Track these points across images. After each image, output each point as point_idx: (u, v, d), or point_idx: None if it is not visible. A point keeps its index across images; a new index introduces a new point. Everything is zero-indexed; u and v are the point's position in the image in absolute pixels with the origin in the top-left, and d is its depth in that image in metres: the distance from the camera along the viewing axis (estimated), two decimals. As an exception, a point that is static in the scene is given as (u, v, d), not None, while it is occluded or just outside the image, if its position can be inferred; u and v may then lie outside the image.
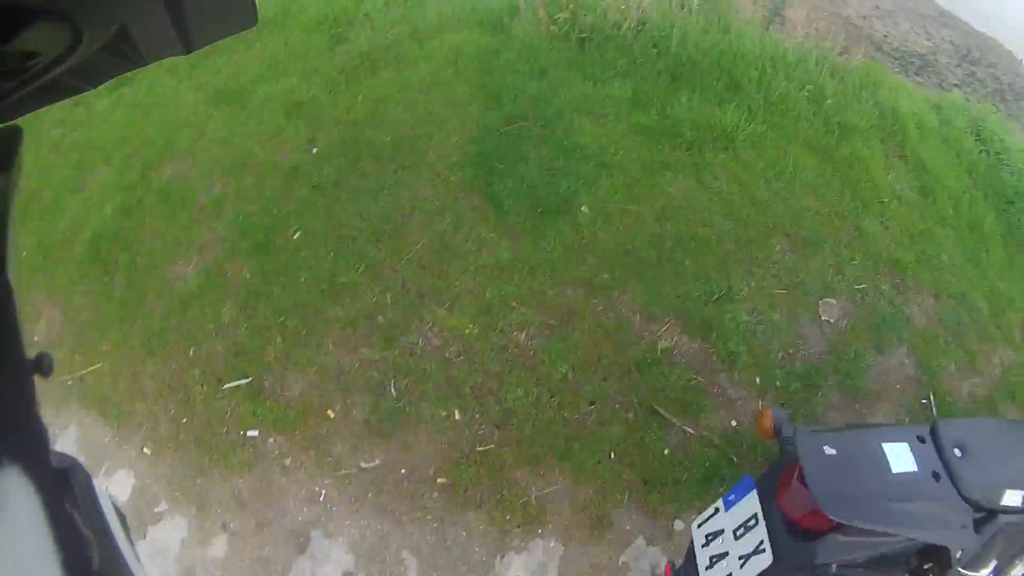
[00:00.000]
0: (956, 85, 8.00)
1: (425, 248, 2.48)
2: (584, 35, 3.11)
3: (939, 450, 1.49)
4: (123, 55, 0.40)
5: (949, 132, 3.72)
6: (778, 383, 2.30)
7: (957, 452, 1.49)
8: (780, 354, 2.35)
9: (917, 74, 7.52)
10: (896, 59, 7.61)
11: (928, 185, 3.24)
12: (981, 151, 3.75)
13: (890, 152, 3.25)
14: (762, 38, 3.37)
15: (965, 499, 1.44)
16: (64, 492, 0.45)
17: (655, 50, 3.12)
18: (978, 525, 1.46)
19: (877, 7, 9.32)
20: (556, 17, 3.10)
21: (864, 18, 8.29)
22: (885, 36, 8.01)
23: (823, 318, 2.39)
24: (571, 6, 3.11)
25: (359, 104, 2.99)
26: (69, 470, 0.49)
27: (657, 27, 3.17)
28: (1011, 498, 1.49)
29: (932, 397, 2.47)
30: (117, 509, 0.54)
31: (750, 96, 3.07)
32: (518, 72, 2.99)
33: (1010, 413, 2.75)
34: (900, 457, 1.44)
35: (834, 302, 2.44)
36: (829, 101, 3.15)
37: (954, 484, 1.44)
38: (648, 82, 3.03)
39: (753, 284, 2.47)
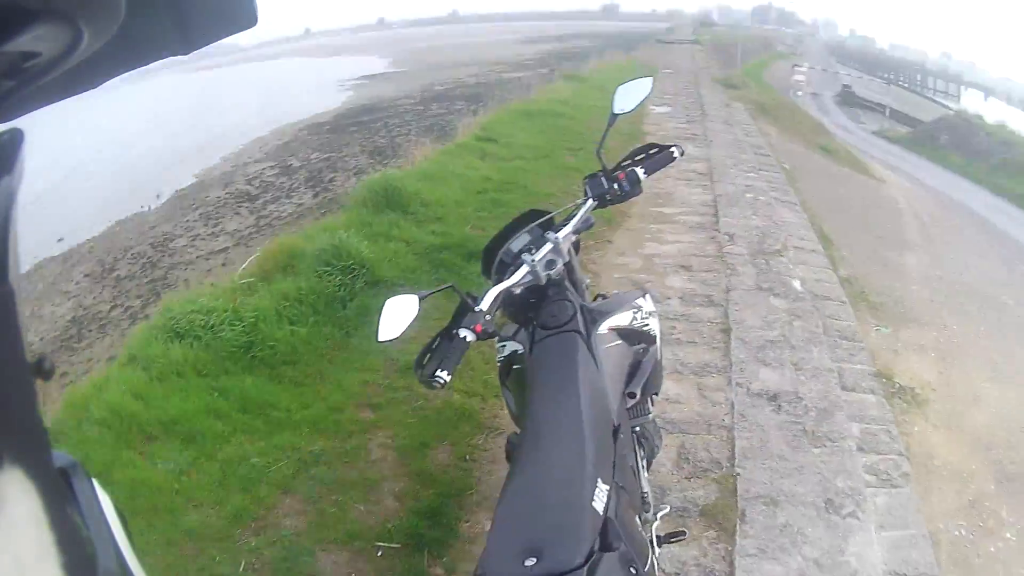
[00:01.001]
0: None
1: None
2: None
3: None
4: (123, 55, 0.40)
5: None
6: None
7: None
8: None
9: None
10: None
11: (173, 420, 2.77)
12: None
13: (131, 449, 2.70)
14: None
15: None
16: (66, 494, 0.45)
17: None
18: None
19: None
20: None
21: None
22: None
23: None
24: None
25: None
26: (70, 471, 0.49)
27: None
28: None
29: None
30: (118, 510, 0.53)
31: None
32: None
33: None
34: None
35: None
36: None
37: None
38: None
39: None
